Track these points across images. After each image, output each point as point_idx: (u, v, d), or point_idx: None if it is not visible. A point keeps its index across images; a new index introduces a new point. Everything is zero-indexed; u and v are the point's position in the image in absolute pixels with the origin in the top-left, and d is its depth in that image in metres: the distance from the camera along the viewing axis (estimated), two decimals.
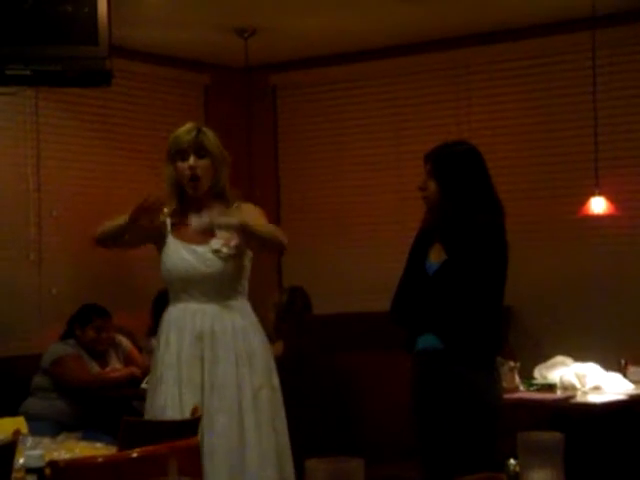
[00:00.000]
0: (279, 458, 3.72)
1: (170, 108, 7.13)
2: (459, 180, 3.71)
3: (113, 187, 6.81)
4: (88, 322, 5.76)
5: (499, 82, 6.84)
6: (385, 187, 7.20)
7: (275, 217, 7.51)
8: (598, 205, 5.89)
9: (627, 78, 6.42)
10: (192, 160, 3.72)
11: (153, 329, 6.13)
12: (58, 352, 5.67)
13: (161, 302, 5.90)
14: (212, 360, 3.70)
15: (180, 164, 3.75)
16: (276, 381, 3.81)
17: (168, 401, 3.67)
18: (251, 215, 3.77)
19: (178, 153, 3.76)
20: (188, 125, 3.84)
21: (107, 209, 6.77)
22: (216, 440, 3.61)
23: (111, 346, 5.88)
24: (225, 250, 3.72)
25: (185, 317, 3.74)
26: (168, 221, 3.83)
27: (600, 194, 5.89)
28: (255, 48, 6.78)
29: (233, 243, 3.73)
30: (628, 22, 6.34)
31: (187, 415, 3.47)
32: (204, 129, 3.82)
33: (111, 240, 3.88)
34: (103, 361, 5.82)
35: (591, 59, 6.07)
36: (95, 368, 5.76)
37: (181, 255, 3.76)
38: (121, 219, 3.79)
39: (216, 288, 3.74)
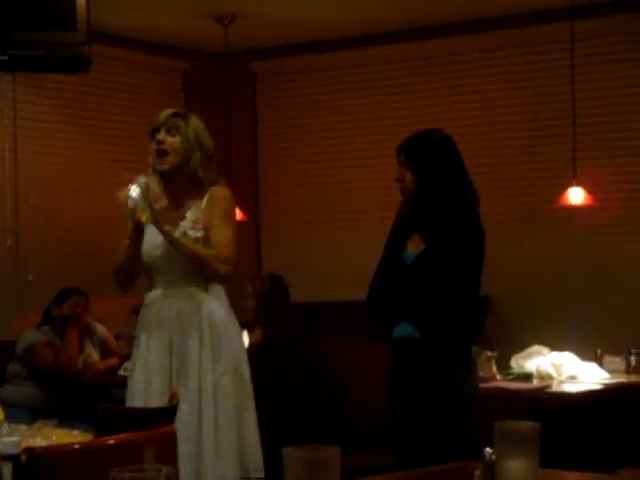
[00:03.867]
0: (242, 448, 3.69)
1: (149, 94, 7.11)
2: (433, 169, 3.71)
3: (91, 173, 6.78)
4: (65, 299, 5.74)
5: (477, 72, 6.85)
6: (365, 175, 7.20)
7: (253, 205, 7.51)
8: (576, 195, 5.92)
9: (605, 69, 6.45)
10: (161, 135, 3.74)
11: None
12: (31, 339, 5.65)
13: None
14: (179, 346, 3.69)
15: (152, 143, 3.78)
16: (246, 372, 3.77)
17: (136, 387, 3.69)
18: (215, 207, 3.74)
19: (152, 132, 3.79)
20: (166, 110, 3.87)
21: (85, 195, 6.78)
22: (177, 427, 3.61)
23: (86, 333, 5.86)
24: (191, 233, 3.69)
25: (153, 304, 3.75)
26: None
27: (578, 185, 5.92)
28: (235, 35, 6.76)
29: (200, 225, 3.70)
30: (607, 13, 6.36)
31: (154, 402, 3.49)
32: (189, 115, 3.84)
33: (126, 268, 3.77)
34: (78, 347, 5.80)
35: (570, 50, 6.09)
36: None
37: (152, 240, 3.74)
38: (126, 240, 3.74)
39: (184, 273, 3.72)
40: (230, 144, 7.44)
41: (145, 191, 3.60)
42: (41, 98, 6.54)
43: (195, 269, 3.71)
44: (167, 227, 3.63)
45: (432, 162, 3.72)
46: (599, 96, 6.44)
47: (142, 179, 3.64)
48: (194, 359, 3.68)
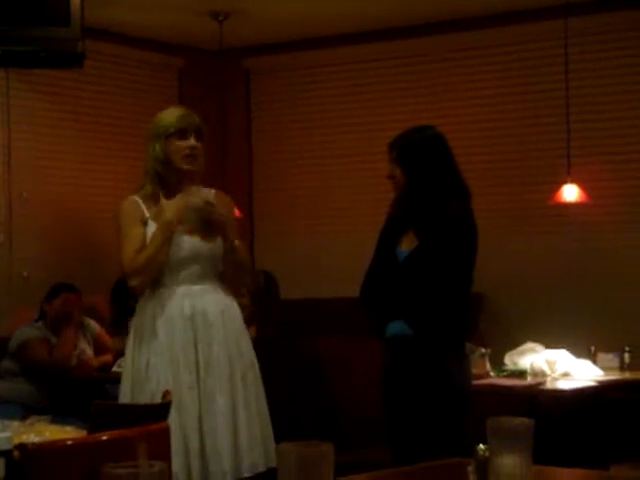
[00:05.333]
0: (264, 440, 3.74)
1: (143, 90, 7.10)
2: (424, 166, 3.72)
3: (84, 169, 6.77)
4: (55, 296, 5.74)
5: (471, 69, 6.84)
6: (358, 172, 7.20)
7: (247, 201, 7.50)
8: (570, 193, 5.92)
9: (599, 66, 6.45)
10: (193, 140, 3.72)
11: (115, 319, 6.12)
12: (25, 335, 5.65)
13: (119, 290, 5.90)
14: (206, 340, 3.69)
15: (178, 142, 3.71)
16: (256, 363, 3.83)
17: (161, 385, 3.61)
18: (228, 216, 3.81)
19: (178, 132, 3.72)
20: (182, 108, 3.88)
21: (78, 191, 6.77)
22: (217, 420, 3.63)
23: (79, 329, 5.85)
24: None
25: (172, 301, 3.70)
26: (144, 208, 3.77)
27: (572, 182, 5.92)
28: (229, 31, 6.75)
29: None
30: (600, 11, 6.36)
31: (185, 397, 3.52)
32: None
33: (155, 266, 3.69)
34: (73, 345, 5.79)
35: (563, 47, 6.09)
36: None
37: (175, 240, 3.71)
38: (156, 237, 3.67)
39: (202, 268, 3.73)
40: (224, 140, 7.43)
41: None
42: (35, 94, 6.53)
43: (212, 266, 3.73)
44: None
45: (423, 159, 3.73)
46: (593, 93, 6.44)
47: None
48: (224, 353, 3.69)
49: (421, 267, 3.64)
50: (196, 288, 3.73)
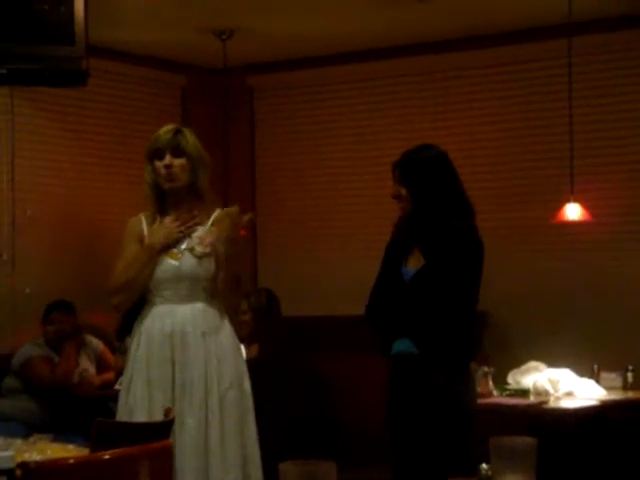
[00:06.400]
0: (245, 463, 3.72)
1: (147, 108, 7.12)
2: (428, 185, 3.72)
3: (88, 187, 6.78)
4: (48, 318, 5.75)
5: (476, 88, 6.86)
6: (361, 191, 7.20)
7: None
8: (573, 211, 5.92)
9: (602, 85, 6.46)
10: (168, 159, 3.75)
11: (120, 331, 6.10)
12: (27, 353, 5.65)
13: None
14: (183, 361, 3.70)
15: (157, 163, 3.78)
16: (247, 385, 3.81)
17: (137, 402, 3.68)
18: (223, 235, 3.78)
19: (156, 152, 3.79)
20: (167, 126, 3.89)
21: (81, 209, 6.77)
22: (185, 442, 3.62)
23: (80, 346, 5.84)
24: (199, 249, 3.75)
25: (154, 319, 3.76)
26: (145, 227, 3.84)
27: (575, 200, 5.92)
28: (233, 50, 6.77)
29: (208, 241, 3.74)
30: (604, 30, 6.38)
31: (157, 416, 3.47)
32: (184, 130, 3.86)
33: (136, 286, 3.77)
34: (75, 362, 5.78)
35: (567, 66, 6.10)
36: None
37: (160, 258, 3.78)
38: (139, 258, 3.76)
39: (188, 288, 3.75)
40: (227, 158, 7.44)
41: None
42: (39, 112, 6.54)
43: (199, 286, 3.75)
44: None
45: (427, 178, 3.73)
46: (596, 112, 6.45)
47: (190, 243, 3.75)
48: (199, 374, 3.69)
49: (428, 286, 3.64)
50: (180, 308, 3.75)
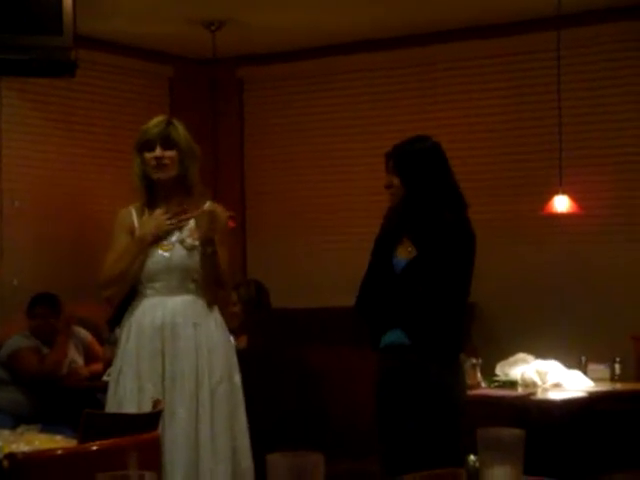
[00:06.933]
0: (235, 455, 3.73)
1: (135, 99, 7.10)
2: (421, 176, 3.72)
3: (76, 178, 6.77)
4: (32, 311, 5.74)
5: (464, 80, 6.86)
6: (352, 182, 7.20)
7: (240, 210, 7.49)
8: (561, 203, 5.93)
9: (591, 78, 6.47)
10: (158, 150, 3.74)
11: (112, 321, 6.09)
12: (15, 345, 5.64)
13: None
14: (173, 353, 3.71)
15: (147, 154, 3.77)
16: (237, 378, 3.82)
17: (127, 394, 3.68)
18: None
19: (145, 144, 3.78)
20: (158, 117, 3.88)
21: (70, 200, 6.76)
22: (176, 433, 3.63)
23: (69, 337, 5.83)
24: (189, 241, 3.76)
25: (145, 311, 3.76)
26: (135, 218, 3.83)
27: (563, 192, 5.93)
28: (222, 41, 6.75)
29: (197, 235, 3.75)
30: (593, 22, 6.38)
31: (146, 408, 3.47)
32: (174, 122, 3.85)
33: (127, 278, 3.78)
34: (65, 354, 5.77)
35: (556, 59, 6.11)
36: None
37: (150, 250, 3.78)
38: (130, 250, 3.76)
39: (178, 280, 3.75)
40: (217, 150, 7.43)
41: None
42: (26, 102, 6.52)
43: (189, 278, 3.74)
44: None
45: (420, 169, 3.73)
46: (585, 104, 6.46)
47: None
48: (190, 366, 3.69)
49: (420, 277, 3.64)
50: (171, 300, 3.75)
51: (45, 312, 5.73)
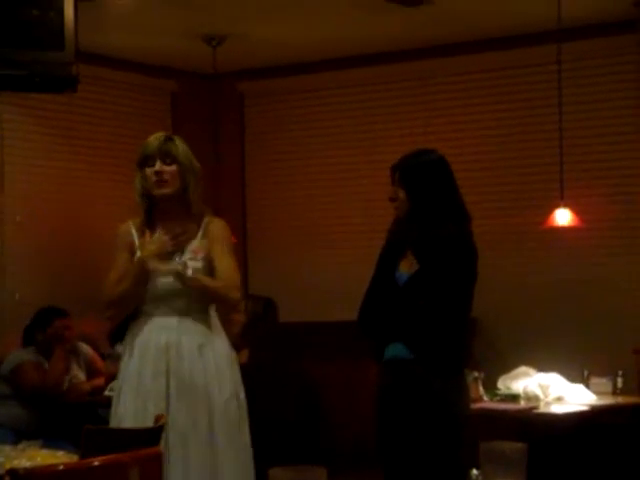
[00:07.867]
0: (244, 471, 3.72)
1: (137, 114, 7.11)
2: (427, 189, 3.72)
3: (77, 193, 6.77)
4: (49, 324, 5.71)
5: (466, 93, 6.87)
6: (353, 196, 7.21)
7: (241, 225, 7.50)
8: (563, 217, 5.93)
9: (592, 91, 6.48)
10: (158, 165, 3.73)
11: (113, 336, 6.10)
12: (17, 359, 5.63)
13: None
14: (179, 372, 3.68)
15: (147, 170, 3.75)
16: (242, 395, 3.81)
17: (128, 411, 3.67)
18: (215, 240, 3.76)
19: (145, 159, 3.76)
20: (158, 133, 3.87)
21: (71, 215, 6.76)
22: (191, 454, 3.61)
23: (71, 353, 5.83)
24: (192, 264, 3.70)
25: (151, 331, 3.73)
26: (135, 236, 3.81)
27: (565, 206, 5.93)
28: (223, 56, 6.77)
29: (200, 255, 3.73)
30: (593, 35, 6.40)
31: (149, 424, 3.46)
32: (175, 138, 3.83)
33: (128, 301, 3.76)
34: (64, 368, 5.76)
35: (557, 72, 6.12)
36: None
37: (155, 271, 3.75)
38: (130, 272, 3.73)
39: (184, 302, 3.74)
40: (218, 165, 7.44)
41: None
42: (28, 117, 6.53)
43: (193, 300, 3.73)
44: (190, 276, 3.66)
45: (426, 182, 3.73)
46: (586, 118, 6.47)
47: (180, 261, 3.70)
48: (200, 386, 3.68)
49: (422, 290, 3.63)
50: (175, 321, 3.73)
51: (63, 324, 5.72)
